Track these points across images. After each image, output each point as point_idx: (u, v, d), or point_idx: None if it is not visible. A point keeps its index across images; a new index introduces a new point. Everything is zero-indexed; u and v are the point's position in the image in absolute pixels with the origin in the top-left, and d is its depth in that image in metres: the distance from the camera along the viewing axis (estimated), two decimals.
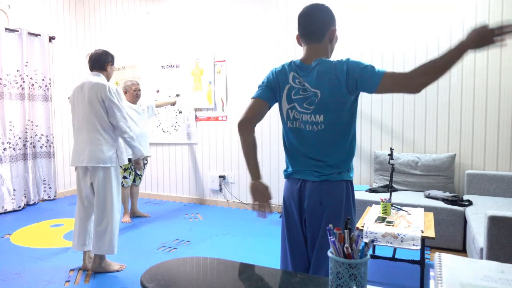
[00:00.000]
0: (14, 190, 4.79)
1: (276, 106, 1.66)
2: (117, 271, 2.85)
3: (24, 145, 4.98)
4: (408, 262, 2.47)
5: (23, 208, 4.88)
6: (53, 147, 5.29)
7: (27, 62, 4.94)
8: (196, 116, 5.03)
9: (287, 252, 1.60)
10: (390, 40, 3.96)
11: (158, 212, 4.59)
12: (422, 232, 2.34)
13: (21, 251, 3.29)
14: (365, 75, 1.40)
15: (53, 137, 5.28)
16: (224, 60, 4.80)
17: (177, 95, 5.10)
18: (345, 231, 0.93)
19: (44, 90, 5.18)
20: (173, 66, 5.13)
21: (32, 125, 5.07)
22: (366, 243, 0.93)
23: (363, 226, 2.49)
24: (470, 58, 3.67)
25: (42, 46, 5.13)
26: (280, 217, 4.16)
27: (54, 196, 5.33)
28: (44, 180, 5.22)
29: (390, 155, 3.05)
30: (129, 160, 4.12)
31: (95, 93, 2.71)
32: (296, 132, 1.55)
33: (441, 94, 3.80)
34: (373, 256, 2.56)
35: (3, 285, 2.62)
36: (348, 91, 1.44)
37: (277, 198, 4.59)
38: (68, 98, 4.77)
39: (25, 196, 4.96)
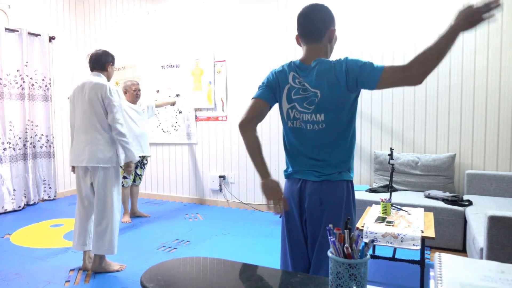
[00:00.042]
0: (14, 190, 4.79)
1: (276, 106, 1.65)
2: (117, 271, 2.85)
3: (24, 145, 4.98)
4: (408, 262, 2.47)
5: (23, 208, 4.88)
6: (53, 147, 5.29)
7: (27, 62, 4.94)
8: (196, 116, 5.03)
9: (287, 252, 1.60)
10: (390, 40, 3.96)
11: (158, 212, 4.60)
12: (422, 232, 2.34)
13: (21, 251, 3.29)
14: (365, 72, 1.40)
15: (53, 137, 5.28)
16: (224, 60, 4.80)
17: (177, 95, 5.10)
18: (345, 231, 0.93)
19: (44, 90, 5.18)
20: (173, 66, 5.13)
21: (32, 125, 5.07)
22: (366, 243, 0.92)
23: (363, 226, 2.49)
24: (470, 58, 3.67)
25: (42, 46, 5.14)
26: (280, 217, 4.16)
27: (54, 196, 5.33)
28: (44, 180, 5.22)
29: (390, 155, 3.05)
30: None
31: (95, 93, 2.71)
32: (296, 132, 1.55)
33: (441, 94, 3.80)
34: (373, 256, 2.56)
35: (3, 285, 2.62)
36: (348, 89, 1.44)
37: None
38: (68, 98, 4.78)
39: (25, 196, 4.96)
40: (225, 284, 1.06)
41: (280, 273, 1.12)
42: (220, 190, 4.93)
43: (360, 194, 3.58)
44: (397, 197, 3.47)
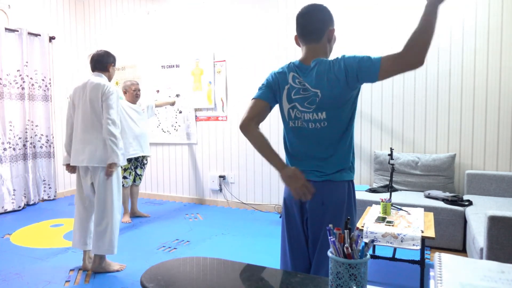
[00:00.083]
0: (14, 190, 4.79)
1: (276, 107, 1.65)
2: (117, 271, 2.85)
3: (24, 145, 4.98)
4: (408, 262, 2.47)
5: (23, 208, 4.88)
6: (53, 147, 5.29)
7: (27, 62, 4.94)
8: (196, 116, 5.03)
9: (287, 252, 1.60)
10: (390, 40, 3.96)
11: (158, 212, 4.59)
12: (422, 232, 2.34)
13: (21, 251, 3.29)
14: (364, 66, 1.40)
15: (53, 137, 5.28)
16: (224, 60, 4.80)
17: (177, 95, 5.10)
18: (345, 231, 0.93)
19: (44, 90, 5.18)
20: (173, 66, 5.13)
21: (32, 125, 5.07)
22: (366, 243, 0.93)
23: (363, 226, 2.49)
24: (470, 58, 3.67)
25: (42, 46, 5.14)
26: (280, 217, 4.16)
27: (54, 196, 5.33)
28: (44, 180, 5.22)
29: (390, 155, 3.05)
30: (129, 160, 4.13)
31: (96, 93, 2.72)
32: (298, 132, 1.55)
33: (441, 94, 3.80)
34: (373, 256, 2.56)
35: (3, 285, 2.62)
36: (349, 86, 1.43)
37: (277, 198, 4.59)
38: (68, 98, 4.76)
39: (25, 196, 4.96)
40: (225, 284, 1.06)
41: (280, 273, 1.12)
42: (220, 190, 4.93)
43: (360, 194, 3.58)
44: (397, 197, 3.47)
